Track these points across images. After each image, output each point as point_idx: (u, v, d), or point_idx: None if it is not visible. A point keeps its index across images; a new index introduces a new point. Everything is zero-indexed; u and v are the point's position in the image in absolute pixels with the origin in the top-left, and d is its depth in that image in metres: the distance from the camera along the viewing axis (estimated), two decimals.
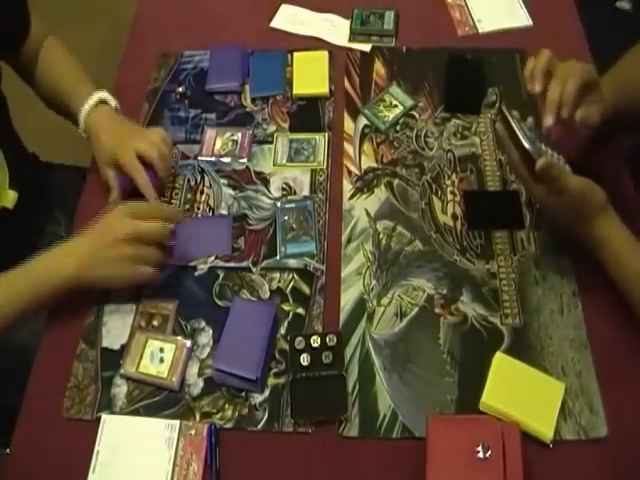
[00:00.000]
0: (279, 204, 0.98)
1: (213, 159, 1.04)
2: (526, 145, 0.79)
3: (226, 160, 1.04)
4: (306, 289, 0.90)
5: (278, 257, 0.93)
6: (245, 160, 1.03)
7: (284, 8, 1.23)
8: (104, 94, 1.00)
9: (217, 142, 1.06)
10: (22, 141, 1.12)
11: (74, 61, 1.07)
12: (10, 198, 1.01)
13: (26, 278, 0.84)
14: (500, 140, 0.85)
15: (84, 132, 1.00)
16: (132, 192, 0.95)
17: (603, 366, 0.83)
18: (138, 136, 0.96)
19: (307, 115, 1.08)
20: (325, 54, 1.14)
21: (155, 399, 0.83)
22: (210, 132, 1.07)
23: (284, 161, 1.03)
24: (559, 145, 0.85)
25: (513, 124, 0.81)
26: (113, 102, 1.01)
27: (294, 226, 0.96)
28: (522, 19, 1.19)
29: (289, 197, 0.99)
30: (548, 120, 0.81)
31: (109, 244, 0.84)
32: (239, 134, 1.06)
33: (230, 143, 1.05)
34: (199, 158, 1.04)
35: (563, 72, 0.83)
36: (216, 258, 0.94)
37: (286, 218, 0.97)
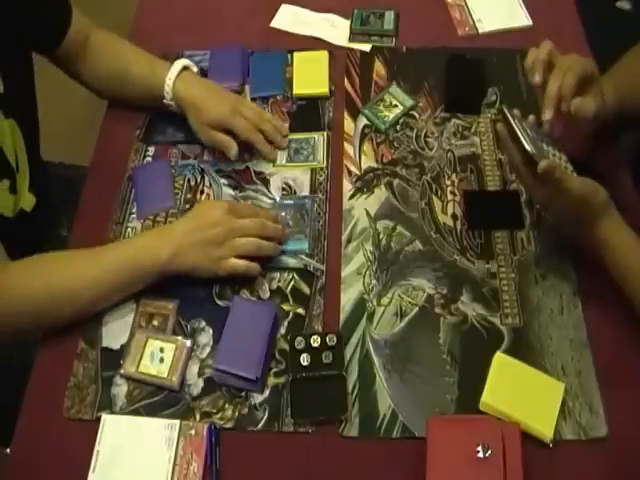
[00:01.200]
0: (278, 199, 0.99)
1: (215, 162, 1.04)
2: (528, 147, 0.78)
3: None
4: (306, 289, 0.90)
5: None
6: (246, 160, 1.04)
7: (284, 8, 1.23)
8: (186, 61, 1.03)
9: None
10: None
11: (131, 45, 1.08)
12: (29, 202, 1.01)
13: (123, 256, 0.85)
14: (501, 141, 0.85)
15: (172, 100, 1.01)
16: None
17: (603, 366, 0.83)
18: (242, 103, 1.03)
19: (307, 115, 1.08)
20: (325, 54, 1.14)
21: (155, 399, 0.83)
22: None
23: (283, 161, 1.03)
24: (561, 143, 0.84)
25: (514, 125, 0.80)
26: (195, 68, 1.05)
27: (290, 223, 0.96)
28: (522, 19, 1.19)
29: (289, 196, 0.99)
30: (547, 114, 0.82)
31: (205, 239, 0.86)
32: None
33: None
34: (200, 162, 1.04)
35: (563, 65, 0.84)
36: None
37: (283, 214, 0.97)
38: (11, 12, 0.90)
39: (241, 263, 0.88)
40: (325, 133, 1.05)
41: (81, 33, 1.03)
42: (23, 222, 1.00)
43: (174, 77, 1.00)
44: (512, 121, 0.81)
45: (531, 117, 0.87)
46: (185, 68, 1.02)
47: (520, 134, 0.80)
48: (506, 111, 0.83)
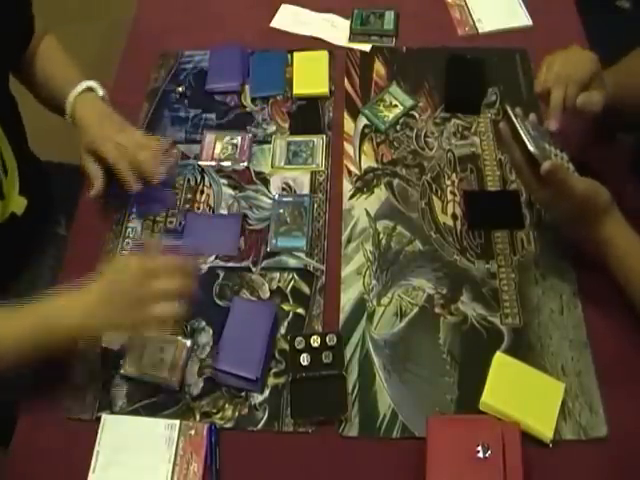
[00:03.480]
0: (277, 196, 0.99)
1: (213, 163, 1.04)
2: (531, 148, 0.78)
3: (226, 164, 1.04)
4: (306, 289, 0.90)
5: (268, 248, 0.94)
6: (245, 163, 1.03)
7: (284, 8, 1.23)
8: (92, 83, 1.00)
9: (217, 146, 1.06)
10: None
11: (68, 57, 1.06)
12: (20, 205, 1.00)
13: (32, 322, 0.79)
14: (504, 141, 0.85)
15: (69, 117, 0.99)
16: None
17: (603, 366, 0.83)
18: (125, 132, 0.96)
19: (307, 115, 1.08)
20: (325, 54, 1.14)
21: (155, 399, 0.83)
22: (209, 136, 1.06)
23: (282, 163, 1.03)
24: (562, 141, 0.84)
25: (517, 125, 0.80)
26: (101, 91, 1.01)
27: (288, 220, 0.96)
28: (522, 19, 1.19)
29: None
30: (552, 125, 0.82)
31: (121, 308, 0.78)
32: (239, 138, 1.06)
33: (230, 147, 1.05)
34: (199, 163, 1.04)
35: (565, 70, 0.83)
36: (216, 258, 0.94)
37: (281, 211, 0.97)
38: None
39: (164, 328, 0.83)
40: (324, 136, 1.05)
41: (37, 36, 1.03)
42: (15, 226, 0.98)
43: (75, 96, 0.98)
44: (515, 120, 0.81)
45: (532, 115, 0.86)
46: (90, 89, 0.99)
47: (523, 134, 0.79)
48: (509, 110, 0.82)
